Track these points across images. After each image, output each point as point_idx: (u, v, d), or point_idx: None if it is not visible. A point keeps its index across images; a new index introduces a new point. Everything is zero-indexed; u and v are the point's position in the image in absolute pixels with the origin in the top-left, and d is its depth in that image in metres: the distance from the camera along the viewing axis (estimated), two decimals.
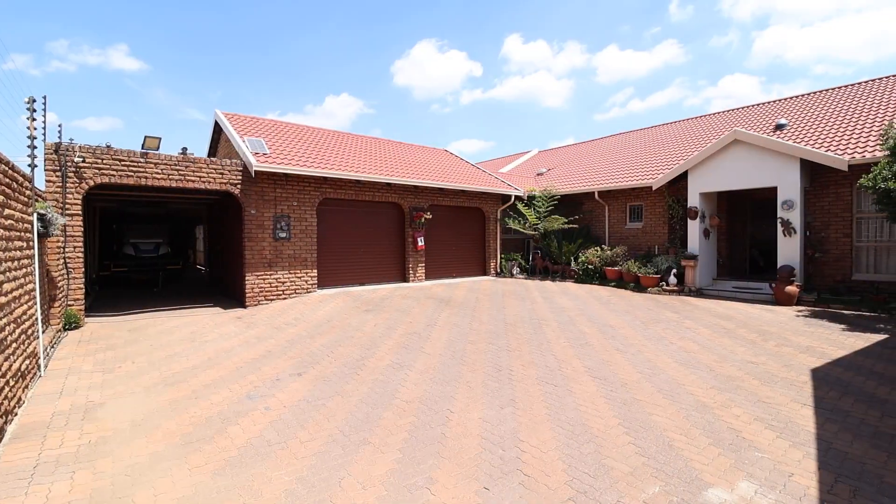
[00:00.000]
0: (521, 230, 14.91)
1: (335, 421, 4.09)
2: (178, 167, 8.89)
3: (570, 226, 14.53)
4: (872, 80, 13.00)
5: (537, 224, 14.56)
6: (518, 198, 15.04)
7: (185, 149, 9.22)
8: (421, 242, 12.58)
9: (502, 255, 15.30)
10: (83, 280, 8.17)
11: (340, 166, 11.08)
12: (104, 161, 8.20)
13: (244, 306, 9.61)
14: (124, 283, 14.19)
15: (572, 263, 13.74)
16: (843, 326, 7.37)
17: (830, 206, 9.98)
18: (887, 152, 7.85)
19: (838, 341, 6.52)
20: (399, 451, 3.54)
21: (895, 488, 3.00)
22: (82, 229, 8.21)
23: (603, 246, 13.69)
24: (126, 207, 14.46)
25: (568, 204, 15.42)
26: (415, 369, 5.54)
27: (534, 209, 14.82)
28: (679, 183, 12.28)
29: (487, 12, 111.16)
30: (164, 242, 14.64)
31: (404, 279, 12.69)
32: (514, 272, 14.79)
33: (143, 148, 9.06)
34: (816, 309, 8.85)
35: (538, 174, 19.18)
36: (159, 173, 8.73)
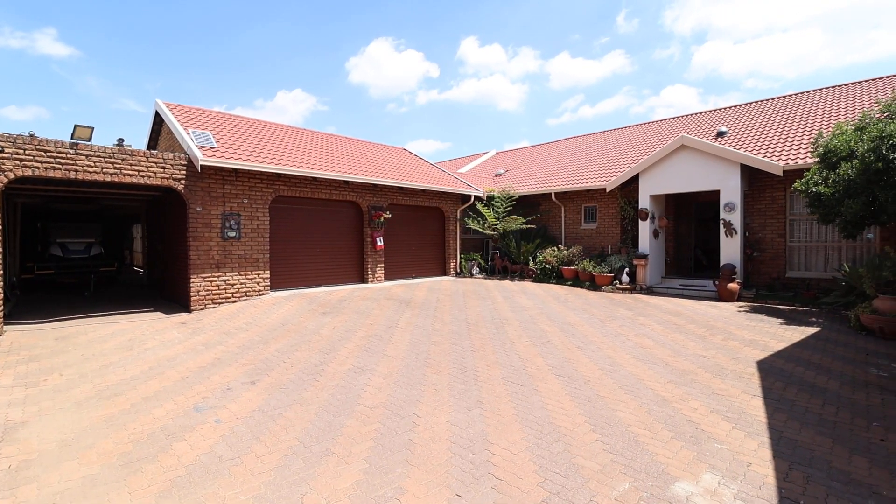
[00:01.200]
0: (481, 230, 14.98)
1: (294, 431, 3.84)
2: (113, 160, 8.16)
3: (528, 226, 14.76)
4: (803, 93, 14.12)
5: (496, 224, 14.68)
6: (478, 198, 15.08)
7: (121, 140, 8.49)
8: (380, 242, 12.32)
9: (462, 255, 15.29)
10: (1, 284, 7.31)
11: (295, 162, 10.62)
12: (27, 152, 7.37)
13: (189, 311, 8.98)
14: (51, 288, 12.92)
15: (530, 263, 13.95)
16: (780, 320, 7.89)
17: (766, 208, 10.71)
18: (817, 159, 8.50)
19: (778, 334, 6.96)
20: (365, 460, 3.36)
21: (842, 472, 3.18)
22: (0, 227, 7.34)
23: (560, 246, 14.00)
24: (53, 203, 13.17)
25: (526, 205, 15.67)
26: (378, 373, 5.34)
27: (493, 209, 14.94)
28: (631, 185, 12.77)
29: (444, 13, 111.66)
30: (97, 242, 13.47)
31: (363, 280, 12.37)
32: (474, 272, 14.82)
33: (72, 138, 8.25)
34: (755, 304, 9.44)
35: (496, 175, 19.38)
36: (91, 166, 7.97)
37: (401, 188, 13.03)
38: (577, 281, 12.59)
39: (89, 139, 8.36)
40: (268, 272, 10.07)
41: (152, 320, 8.42)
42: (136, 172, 8.41)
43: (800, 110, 12.74)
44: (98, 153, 8.05)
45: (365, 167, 12.72)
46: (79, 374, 5.45)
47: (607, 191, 13.03)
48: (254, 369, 5.52)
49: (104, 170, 8.10)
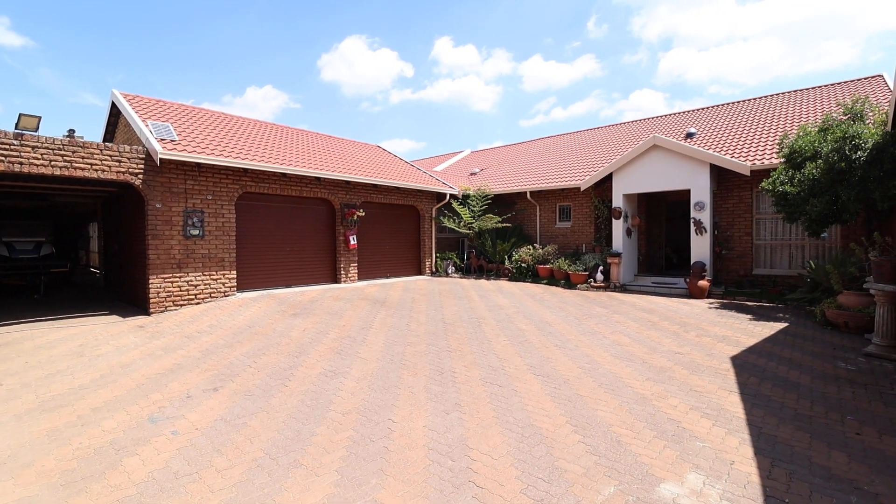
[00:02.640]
0: (456, 229, 14.84)
1: (259, 442, 3.57)
2: (62, 152, 7.58)
3: (504, 225, 14.72)
4: (767, 97, 14.59)
5: (472, 223, 14.57)
6: (453, 196, 14.94)
7: (72, 131, 7.92)
8: (353, 241, 12.00)
9: (437, 254, 15.11)
10: None
11: (263, 157, 10.19)
12: None
13: (148, 313, 8.45)
14: None
15: (506, 262, 13.91)
16: (749, 316, 8.06)
17: (734, 207, 10.98)
18: (783, 160, 8.74)
19: (748, 330, 7.09)
20: (337, 472, 3.13)
21: (823, 468, 3.16)
22: None
23: (535, 245, 14.01)
24: None
25: (501, 203, 15.62)
26: (350, 376, 5.10)
27: (468, 208, 14.82)
28: (604, 184, 12.89)
29: (418, 13, 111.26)
30: (47, 241, 12.60)
31: (335, 280, 12.02)
32: (450, 271, 14.67)
33: (17, 128, 7.65)
34: (725, 301, 9.65)
35: (471, 174, 19.30)
36: (38, 159, 7.38)
37: (375, 185, 12.74)
38: (553, 279, 12.62)
39: (36, 129, 7.77)
40: (234, 272, 9.61)
41: (107, 324, 7.88)
42: (89, 166, 7.85)
43: (764, 113, 13.15)
44: (46, 145, 7.46)
45: (337, 164, 12.38)
46: (21, 383, 4.98)
47: (581, 190, 13.12)
48: (217, 375, 5.18)
49: (53, 163, 7.52)
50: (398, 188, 13.45)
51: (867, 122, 8.24)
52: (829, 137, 7.79)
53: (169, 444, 3.54)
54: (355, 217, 11.95)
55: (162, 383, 4.91)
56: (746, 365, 5.43)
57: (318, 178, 11.33)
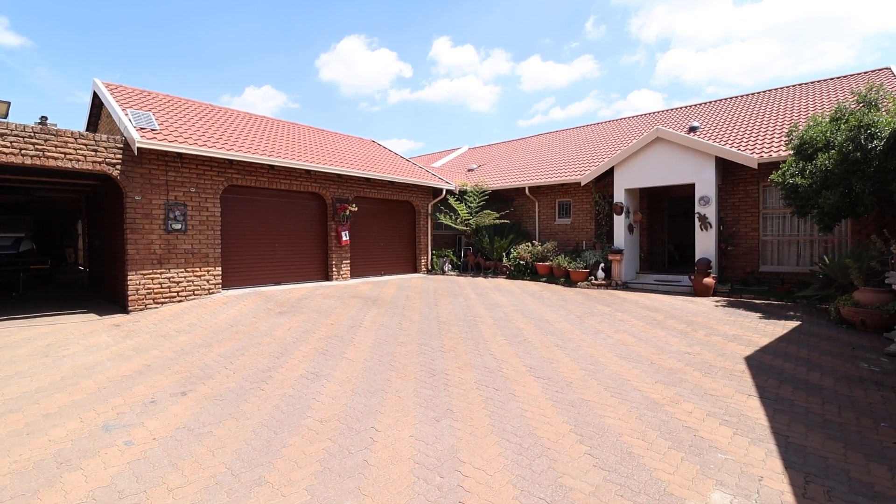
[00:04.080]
0: (453, 225, 14.42)
1: (223, 454, 3.15)
2: (34, 140, 7.14)
3: (502, 221, 14.30)
4: (770, 91, 14.21)
5: (469, 219, 14.15)
6: (450, 192, 14.52)
7: (44, 118, 7.51)
8: (345, 237, 11.57)
9: (433, 252, 14.69)
10: None
11: (250, 149, 9.75)
12: None
13: (126, 311, 8.01)
14: None
15: (504, 259, 13.50)
16: (759, 315, 7.67)
17: (740, 202, 10.59)
18: (792, 151, 8.35)
19: (759, 329, 6.69)
20: (306, 490, 2.72)
21: (864, 484, 2.76)
22: None
23: (534, 241, 13.60)
24: None
25: (499, 200, 15.21)
26: (334, 379, 4.68)
27: (465, 204, 14.40)
28: (605, 179, 12.49)
29: (416, 13, 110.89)
30: (27, 237, 12.12)
31: (327, 277, 11.59)
32: (446, 269, 14.25)
33: None
34: (731, 299, 9.25)
35: (469, 170, 18.88)
36: (7, 147, 6.93)
37: (368, 179, 12.31)
38: (552, 277, 12.22)
39: (5, 116, 7.34)
40: (219, 269, 9.17)
41: (82, 322, 7.44)
42: (63, 155, 7.41)
43: (769, 107, 12.77)
44: (15, 132, 7.02)
45: (329, 157, 11.95)
46: None
47: (581, 185, 12.72)
48: (188, 377, 4.75)
49: (23, 151, 7.08)
50: (392, 183, 13.03)
51: (882, 110, 7.85)
52: (843, 126, 7.40)
53: (120, 457, 3.11)
54: (347, 212, 11.53)
55: (126, 387, 4.49)
56: (762, 366, 5.04)
57: (308, 171, 10.90)
